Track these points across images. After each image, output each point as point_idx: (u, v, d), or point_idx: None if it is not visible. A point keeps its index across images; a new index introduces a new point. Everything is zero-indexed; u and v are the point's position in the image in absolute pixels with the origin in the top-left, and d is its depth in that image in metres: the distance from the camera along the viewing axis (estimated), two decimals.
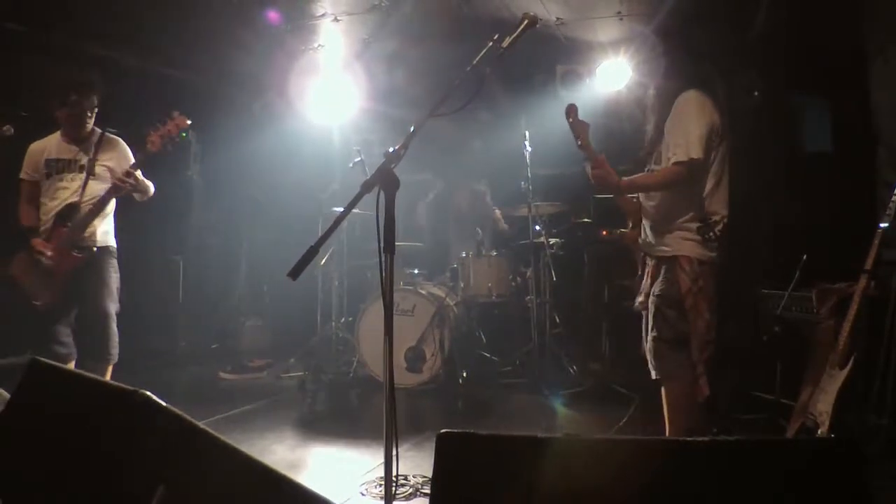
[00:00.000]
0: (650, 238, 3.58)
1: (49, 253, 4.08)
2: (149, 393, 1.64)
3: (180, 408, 1.62)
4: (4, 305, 4.94)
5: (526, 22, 2.84)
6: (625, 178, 3.55)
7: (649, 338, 3.63)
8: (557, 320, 5.99)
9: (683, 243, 3.44)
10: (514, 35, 2.77)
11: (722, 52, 5.76)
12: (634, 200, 3.72)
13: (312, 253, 2.17)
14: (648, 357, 3.66)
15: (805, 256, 4.29)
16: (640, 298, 3.76)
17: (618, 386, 5.28)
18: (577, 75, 6.22)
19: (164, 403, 1.62)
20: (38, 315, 4.14)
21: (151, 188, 4.33)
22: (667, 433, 3.61)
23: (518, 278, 6.09)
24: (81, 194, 4.22)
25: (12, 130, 4.10)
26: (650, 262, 3.63)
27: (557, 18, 5.59)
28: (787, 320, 4.37)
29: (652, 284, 3.58)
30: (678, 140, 3.38)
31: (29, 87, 5.30)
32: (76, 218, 4.18)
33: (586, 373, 5.49)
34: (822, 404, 3.16)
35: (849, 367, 3.11)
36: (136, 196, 4.29)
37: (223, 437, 1.57)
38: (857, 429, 3.29)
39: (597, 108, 6.23)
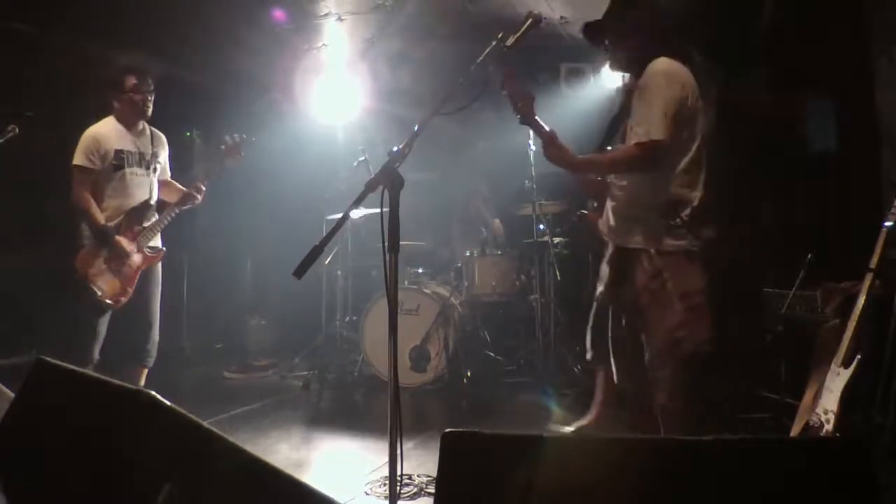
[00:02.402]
0: (612, 223, 3.28)
1: (135, 249, 4.00)
2: (154, 392, 1.65)
3: (185, 407, 1.62)
4: (5, 305, 4.96)
5: (530, 21, 2.84)
6: (583, 158, 3.25)
7: (591, 325, 3.47)
8: (562, 319, 5.99)
9: (644, 232, 3.12)
10: (519, 34, 2.76)
11: (726, 50, 5.76)
12: (599, 180, 3.40)
13: (317, 252, 2.18)
14: (615, 361, 3.40)
15: (810, 255, 4.28)
16: (600, 288, 3.49)
17: (620, 385, 5.27)
18: (581, 73, 6.22)
19: (169, 403, 1.62)
20: (81, 315, 4.04)
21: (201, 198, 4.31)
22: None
23: (522, 277, 6.08)
24: (151, 193, 4.18)
25: (17, 130, 4.10)
26: (610, 249, 3.37)
27: (562, 17, 5.59)
28: (791, 319, 4.36)
29: (612, 274, 3.34)
30: (641, 118, 3.08)
31: (34, 88, 5.32)
32: (151, 218, 4.14)
33: (591, 372, 5.48)
34: (827, 403, 3.16)
35: (854, 366, 3.10)
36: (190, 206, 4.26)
37: (228, 437, 1.57)
38: (862, 428, 3.29)
39: (601, 106, 6.23)
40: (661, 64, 3.09)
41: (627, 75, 3.40)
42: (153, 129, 4.30)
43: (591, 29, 3.33)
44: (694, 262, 3.11)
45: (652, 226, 3.09)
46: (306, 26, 5.86)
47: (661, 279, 3.07)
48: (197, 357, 6.63)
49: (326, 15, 5.63)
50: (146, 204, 4.15)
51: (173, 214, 4.20)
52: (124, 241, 4.00)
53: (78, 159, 4.03)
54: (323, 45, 6.28)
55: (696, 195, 3.10)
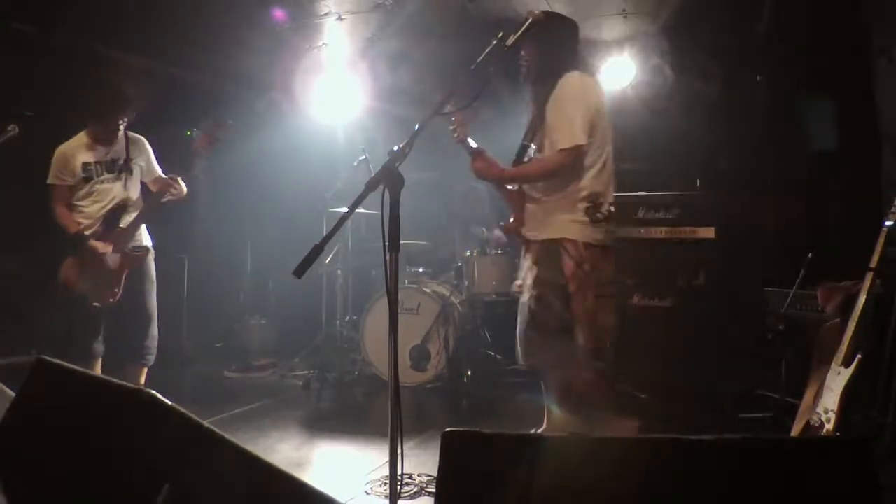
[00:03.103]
0: (536, 223, 3.50)
1: (110, 250, 4.10)
2: (154, 392, 1.65)
3: (185, 407, 1.62)
4: (6, 305, 4.96)
5: (530, 20, 2.84)
6: (508, 168, 3.54)
7: (526, 326, 3.57)
8: None
9: (570, 226, 3.36)
10: (519, 33, 2.77)
11: (727, 50, 5.77)
12: (519, 191, 3.64)
13: (317, 251, 2.18)
14: (521, 345, 3.62)
15: (810, 255, 4.28)
16: (518, 281, 3.75)
17: (622, 384, 5.27)
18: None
19: (169, 402, 1.62)
20: (85, 313, 4.12)
21: (185, 191, 4.35)
22: (550, 418, 3.65)
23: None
24: (127, 196, 4.26)
25: (17, 130, 4.10)
26: (533, 247, 3.55)
27: None
28: (792, 318, 4.36)
29: (536, 266, 3.50)
30: (561, 126, 3.31)
31: (34, 88, 5.31)
32: (127, 219, 4.22)
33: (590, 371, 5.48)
34: (828, 403, 3.15)
35: (854, 365, 3.10)
36: (172, 200, 4.31)
37: (228, 436, 1.57)
38: (862, 427, 3.29)
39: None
40: (575, 77, 3.39)
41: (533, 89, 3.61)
42: (131, 134, 4.38)
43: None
44: (608, 255, 3.47)
45: (577, 220, 3.35)
46: (306, 26, 5.86)
47: (585, 269, 3.33)
48: (197, 357, 6.62)
49: (326, 14, 5.62)
50: (121, 205, 4.23)
51: (148, 212, 4.27)
52: (97, 245, 4.10)
53: (50, 178, 4.22)
54: (323, 44, 6.27)
55: (609, 194, 3.44)
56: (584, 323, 3.37)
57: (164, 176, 4.39)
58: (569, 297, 3.36)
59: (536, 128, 3.50)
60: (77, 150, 4.24)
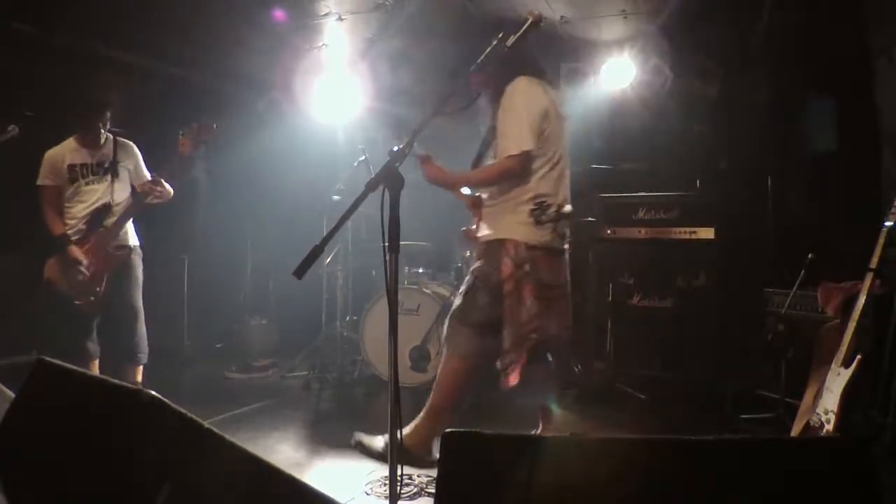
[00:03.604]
0: (486, 225, 3.58)
1: (86, 262, 4.20)
2: (154, 392, 1.65)
3: (186, 407, 1.62)
4: (6, 305, 4.95)
5: (530, 21, 2.85)
6: (460, 175, 3.63)
7: (451, 312, 3.66)
8: None
9: (513, 227, 3.43)
10: (519, 34, 2.77)
11: (727, 50, 5.76)
12: (477, 196, 3.72)
13: (317, 252, 2.18)
14: (445, 329, 3.70)
15: (810, 255, 4.29)
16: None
17: (622, 385, 5.27)
18: (581, 74, 6.21)
19: (169, 402, 1.62)
20: (72, 312, 4.22)
21: (171, 192, 4.41)
22: (432, 401, 3.76)
23: None
24: (112, 196, 4.35)
25: (17, 130, 4.12)
26: (480, 246, 3.62)
27: (562, 17, 5.57)
28: (792, 318, 4.36)
29: (481, 263, 3.58)
30: (510, 132, 3.38)
31: (34, 88, 5.31)
32: (110, 219, 4.31)
33: (591, 371, 5.48)
34: (828, 403, 3.16)
35: (854, 365, 3.10)
36: (157, 202, 4.36)
37: (228, 437, 1.57)
38: (862, 427, 3.29)
39: (601, 107, 6.22)
40: (521, 83, 3.42)
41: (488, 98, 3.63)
42: (119, 139, 4.48)
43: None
44: (555, 258, 3.51)
45: (521, 221, 3.41)
46: (306, 26, 5.85)
47: (525, 270, 3.37)
48: (197, 357, 6.62)
49: (327, 14, 5.61)
50: (104, 207, 4.32)
51: (130, 213, 4.36)
52: (76, 252, 4.21)
53: (39, 180, 4.36)
54: (323, 44, 6.27)
55: (558, 197, 3.49)
56: (511, 323, 3.39)
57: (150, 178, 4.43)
58: (501, 298, 3.40)
59: (493, 135, 3.55)
60: (65, 154, 4.35)
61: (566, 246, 3.60)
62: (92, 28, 5.43)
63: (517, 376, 3.43)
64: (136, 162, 4.52)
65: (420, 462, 3.55)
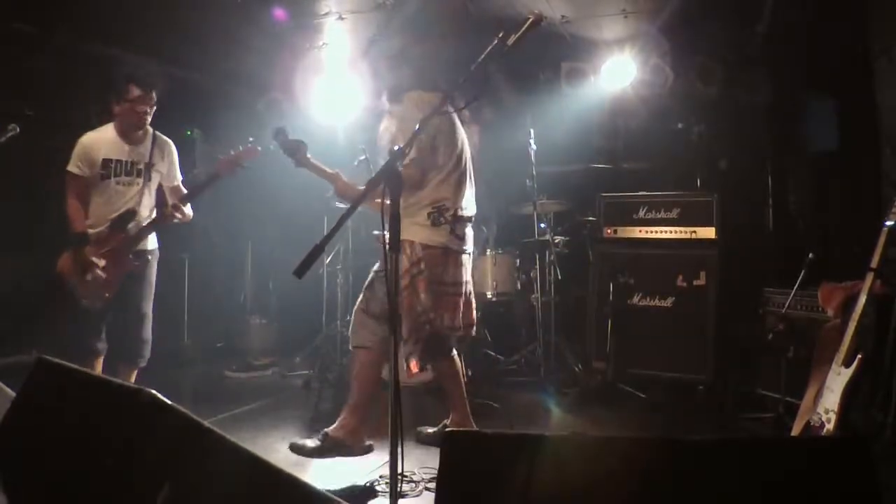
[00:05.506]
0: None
1: (102, 264, 4.02)
2: (154, 391, 1.65)
3: (186, 406, 1.62)
4: (6, 305, 4.95)
5: (531, 20, 2.84)
6: (360, 187, 3.82)
7: (357, 306, 3.97)
8: (562, 319, 5.98)
9: (410, 228, 3.69)
10: (519, 33, 2.77)
11: (728, 50, 5.76)
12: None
13: (318, 251, 2.18)
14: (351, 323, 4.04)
15: (811, 255, 4.28)
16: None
17: (623, 384, 5.27)
18: (581, 73, 6.20)
19: (169, 402, 1.62)
20: (80, 310, 4.08)
21: (191, 216, 4.31)
22: (352, 399, 3.97)
23: (523, 276, 6.07)
24: (140, 202, 4.20)
25: (18, 129, 4.09)
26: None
27: (562, 16, 5.57)
28: (792, 318, 4.36)
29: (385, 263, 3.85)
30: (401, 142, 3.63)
31: (34, 87, 5.32)
32: (134, 226, 4.15)
33: (592, 371, 5.48)
34: (828, 403, 3.15)
35: (854, 365, 3.10)
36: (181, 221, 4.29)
37: (229, 436, 1.57)
38: (862, 427, 3.29)
39: (602, 106, 6.23)
40: (414, 94, 3.78)
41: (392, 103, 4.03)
42: (159, 135, 4.28)
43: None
44: (451, 257, 3.83)
45: (419, 223, 3.74)
46: (306, 25, 5.85)
47: (419, 267, 3.73)
48: (197, 357, 6.62)
49: (327, 14, 5.61)
50: (131, 212, 4.15)
51: (152, 229, 4.25)
52: (92, 252, 4.03)
53: (69, 165, 4.11)
54: (323, 44, 6.27)
55: (458, 199, 3.81)
56: (407, 315, 3.72)
57: (181, 187, 4.38)
58: (400, 291, 3.60)
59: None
60: (101, 143, 4.14)
61: (466, 247, 3.91)
62: (92, 28, 5.43)
63: (417, 365, 3.80)
64: (171, 163, 4.35)
65: (358, 450, 3.93)
